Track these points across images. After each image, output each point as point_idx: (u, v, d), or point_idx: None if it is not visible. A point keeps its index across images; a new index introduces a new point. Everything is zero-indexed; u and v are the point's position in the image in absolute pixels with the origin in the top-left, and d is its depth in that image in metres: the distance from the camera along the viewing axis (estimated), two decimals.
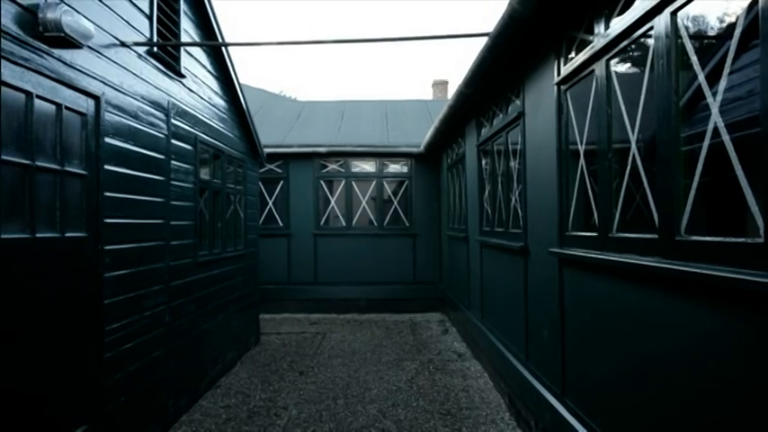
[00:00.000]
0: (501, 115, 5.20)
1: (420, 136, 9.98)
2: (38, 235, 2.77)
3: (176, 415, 4.50)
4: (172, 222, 4.43)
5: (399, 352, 6.85)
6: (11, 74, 2.55)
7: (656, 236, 2.35)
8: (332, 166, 10.08)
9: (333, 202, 10.07)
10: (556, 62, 3.59)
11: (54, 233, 2.92)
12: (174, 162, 4.49)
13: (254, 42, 4.14)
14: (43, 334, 2.83)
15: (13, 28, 2.58)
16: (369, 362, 6.35)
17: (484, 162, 6.06)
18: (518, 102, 4.57)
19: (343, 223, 10.04)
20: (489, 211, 5.77)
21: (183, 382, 4.65)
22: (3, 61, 2.49)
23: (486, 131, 5.84)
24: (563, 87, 3.51)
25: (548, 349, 3.80)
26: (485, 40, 4.10)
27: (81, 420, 3.15)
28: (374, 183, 10.09)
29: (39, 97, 2.76)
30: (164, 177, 4.29)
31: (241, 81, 6.46)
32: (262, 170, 9.18)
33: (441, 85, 18.20)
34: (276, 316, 9.54)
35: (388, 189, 10.15)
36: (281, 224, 10.00)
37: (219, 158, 5.84)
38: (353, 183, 10.05)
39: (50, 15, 2.74)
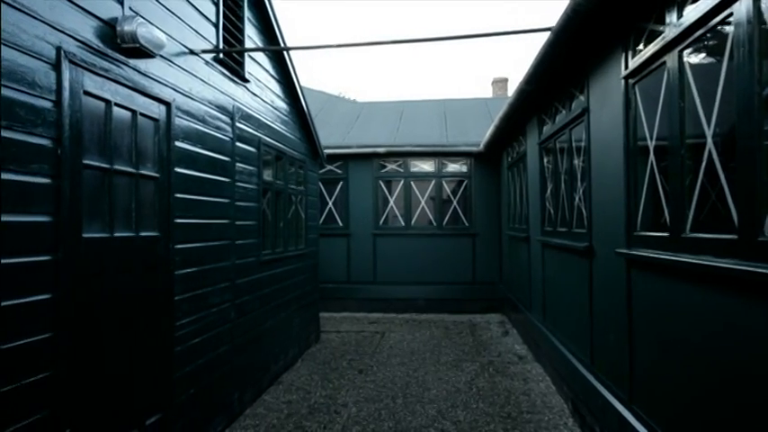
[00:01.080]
0: (564, 112, 5.05)
1: (479, 135, 9.85)
2: (116, 234, 2.94)
3: (241, 408, 4.65)
4: (237, 222, 4.59)
5: (458, 353, 6.79)
6: (93, 84, 2.73)
7: (735, 236, 2.21)
8: (391, 167, 10.12)
9: (392, 201, 10.12)
10: (623, 55, 3.44)
11: (130, 233, 3.09)
12: (238, 164, 4.65)
13: (314, 46, 4.22)
14: (123, 327, 3.00)
15: (95, 41, 2.75)
16: (427, 362, 6.34)
17: (546, 160, 5.90)
18: (582, 97, 4.42)
19: (402, 223, 10.06)
20: (551, 210, 5.62)
21: (247, 377, 4.80)
22: (86, 72, 2.67)
23: (548, 129, 5.69)
24: (631, 81, 3.37)
25: (614, 354, 3.65)
26: (546, 35, 3.99)
27: (156, 409, 3.33)
28: (433, 182, 10.05)
29: (116, 105, 2.94)
30: (229, 179, 4.45)
31: (302, 84, 6.60)
32: (322, 171, 9.34)
33: (500, 83, 17.89)
34: (336, 314, 9.69)
35: (447, 189, 10.08)
36: (340, 224, 10.14)
37: (281, 160, 5.99)
38: (412, 182, 10.06)
39: (127, 28, 2.90)
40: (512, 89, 16.25)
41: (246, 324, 4.81)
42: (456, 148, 9.82)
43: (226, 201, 4.39)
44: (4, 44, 2.17)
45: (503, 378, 5.66)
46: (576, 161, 4.69)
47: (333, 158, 9.85)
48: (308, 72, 53.47)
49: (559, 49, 4.13)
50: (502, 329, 8.27)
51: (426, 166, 10.10)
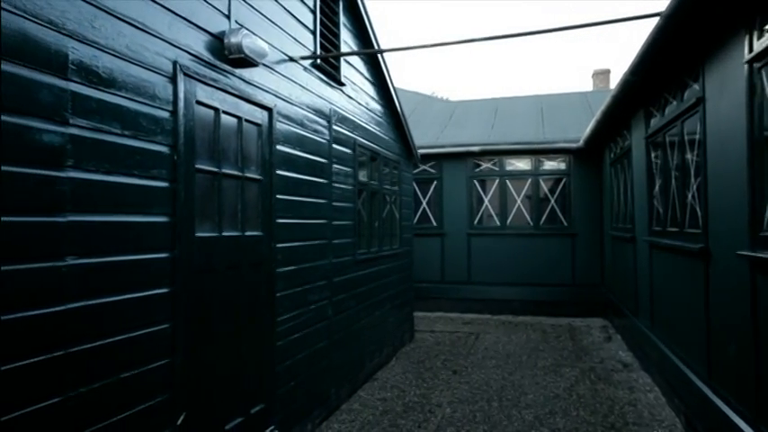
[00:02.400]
0: (674, 103, 4.69)
1: (579, 131, 9.40)
2: (224, 234, 3.15)
3: (337, 403, 4.80)
4: (333, 222, 4.73)
5: (557, 357, 6.53)
6: (203, 93, 2.94)
7: None
8: (485, 165, 9.95)
9: (486, 201, 9.94)
10: (747, 37, 3.13)
11: (236, 232, 3.29)
12: (335, 165, 4.79)
13: (407, 47, 4.25)
14: (231, 321, 3.21)
15: (206, 54, 2.96)
16: (524, 365, 6.15)
17: (653, 155, 5.51)
18: (696, 86, 4.08)
19: (498, 222, 9.85)
20: (660, 209, 5.23)
21: (343, 373, 4.94)
22: (198, 83, 2.88)
23: (656, 122, 5.31)
24: (756, 65, 3.05)
25: (736, 366, 3.33)
26: (655, 20, 3.73)
27: (259, 399, 3.52)
28: (529, 181, 9.75)
29: (224, 112, 3.14)
30: (326, 180, 4.60)
31: (395, 84, 6.67)
32: (415, 171, 9.39)
33: (602, 75, 16.96)
34: (429, 314, 9.69)
35: (545, 187, 9.74)
36: (434, 224, 10.13)
37: (376, 161, 6.09)
38: (508, 181, 9.82)
39: (234, 40, 3.10)
40: (614, 81, 15.34)
41: (343, 321, 4.95)
42: (553, 145, 9.44)
43: (323, 201, 4.54)
44: (131, 62, 2.40)
45: (606, 386, 5.36)
46: (688, 155, 4.33)
47: (426, 158, 9.84)
48: (400, 73, 54.05)
49: (670, 35, 3.83)
50: (604, 334, 7.84)
51: (522, 164, 9.82)
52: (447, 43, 4.14)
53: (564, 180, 9.65)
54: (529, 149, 9.62)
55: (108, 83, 2.27)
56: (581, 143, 8.95)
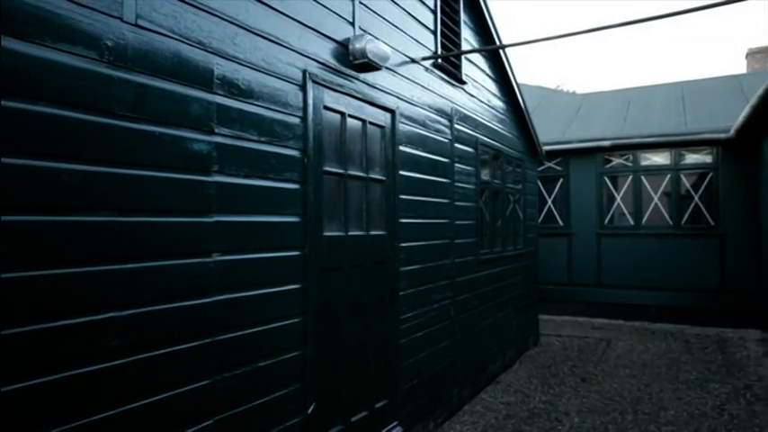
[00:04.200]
0: None
1: (728, 119, 8.41)
2: (350, 233, 3.27)
3: (459, 404, 4.76)
4: (456, 222, 4.71)
5: (703, 371, 5.90)
6: (330, 99, 3.08)
7: None
8: (617, 161, 9.30)
9: (618, 199, 9.29)
10: None
11: (361, 231, 3.40)
12: (457, 165, 4.76)
13: (530, 40, 4.09)
14: (357, 317, 3.33)
15: (332, 61, 3.10)
16: (663, 378, 5.65)
17: None
18: None
19: (631, 222, 9.16)
20: None
21: (465, 374, 4.90)
22: (325, 89, 3.03)
23: None
24: None
25: None
26: None
27: (383, 395, 3.61)
28: (668, 176, 8.93)
29: (349, 116, 3.26)
30: (448, 179, 4.60)
31: (517, 79, 6.47)
32: (540, 168, 9.02)
33: (759, 55, 15.03)
34: (555, 318, 9.27)
35: (686, 183, 8.86)
36: (560, 223, 9.68)
37: (498, 159, 5.96)
38: (642, 177, 9.09)
39: (358, 45, 3.21)
40: None
41: (465, 321, 4.90)
42: (697, 136, 8.54)
43: (445, 201, 4.53)
44: (266, 73, 2.59)
45: (766, 407, 4.75)
46: None
47: (552, 155, 9.42)
48: (523, 67, 52.25)
49: None
50: (762, 349, 6.94)
51: (659, 158, 9.02)
52: (572, 33, 3.92)
53: (710, 175, 8.70)
54: (668, 142, 8.79)
55: (246, 94, 2.47)
56: (731, 133, 8.01)
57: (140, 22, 1.98)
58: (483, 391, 5.28)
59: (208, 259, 2.26)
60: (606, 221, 9.35)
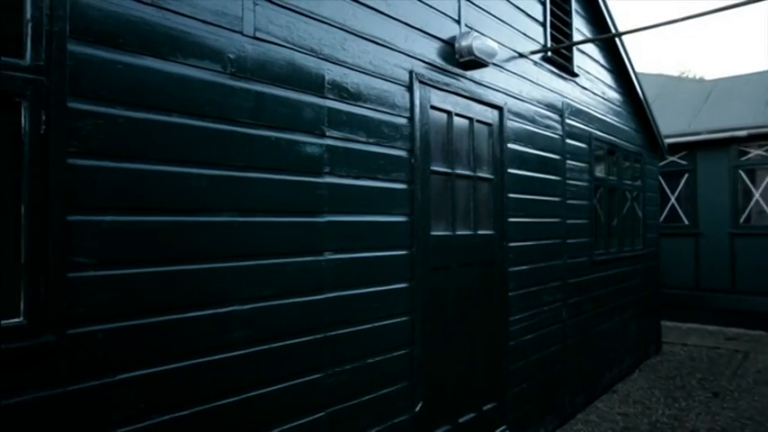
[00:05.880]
0: None
1: None
2: (457, 232, 3.25)
3: (572, 411, 4.54)
4: (567, 221, 4.50)
5: None
6: (437, 98, 3.08)
7: None
8: (755, 152, 8.35)
9: (756, 195, 8.34)
10: None
11: (468, 231, 3.36)
12: (568, 161, 4.55)
13: (650, 25, 3.79)
14: (464, 318, 3.29)
15: (438, 60, 3.10)
16: None
17: None
18: None
19: None
20: None
21: (578, 380, 4.66)
22: (431, 89, 3.03)
23: None
24: None
25: None
26: None
27: (491, 397, 3.54)
28: None
29: (456, 114, 3.24)
30: (559, 177, 4.40)
31: (635, 69, 6.04)
32: (662, 163, 8.35)
33: None
34: (680, 325, 8.52)
35: None
36: (686, 222, 8.89)
37: (614, 154, 5.61)
38: None
39: (464, 43, 3.17)
40: None
41: (578, 325, 4.67)
42: None
43: (556, 199, 4.35)
44: (374, 75, 2.64)
45: None
46: None
47: (675, 148, 8.67)
48: (641, 56, 48.61)
49: None
50: None
51: None
52: (699, 14, 3.56)
53: None
54: None
55: (355, 97, 2.54)
56: None
57: (258, 35, 2.11)
58: (598, 399, 4.99)
59: (320, 258, 2.35)
60: (742, 220, 8.43)
